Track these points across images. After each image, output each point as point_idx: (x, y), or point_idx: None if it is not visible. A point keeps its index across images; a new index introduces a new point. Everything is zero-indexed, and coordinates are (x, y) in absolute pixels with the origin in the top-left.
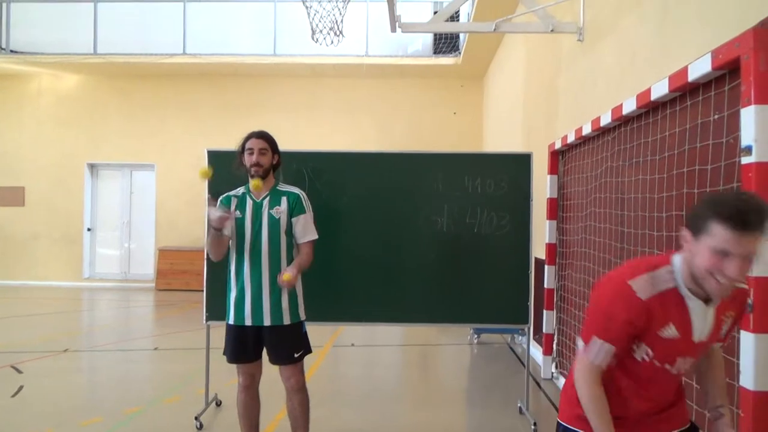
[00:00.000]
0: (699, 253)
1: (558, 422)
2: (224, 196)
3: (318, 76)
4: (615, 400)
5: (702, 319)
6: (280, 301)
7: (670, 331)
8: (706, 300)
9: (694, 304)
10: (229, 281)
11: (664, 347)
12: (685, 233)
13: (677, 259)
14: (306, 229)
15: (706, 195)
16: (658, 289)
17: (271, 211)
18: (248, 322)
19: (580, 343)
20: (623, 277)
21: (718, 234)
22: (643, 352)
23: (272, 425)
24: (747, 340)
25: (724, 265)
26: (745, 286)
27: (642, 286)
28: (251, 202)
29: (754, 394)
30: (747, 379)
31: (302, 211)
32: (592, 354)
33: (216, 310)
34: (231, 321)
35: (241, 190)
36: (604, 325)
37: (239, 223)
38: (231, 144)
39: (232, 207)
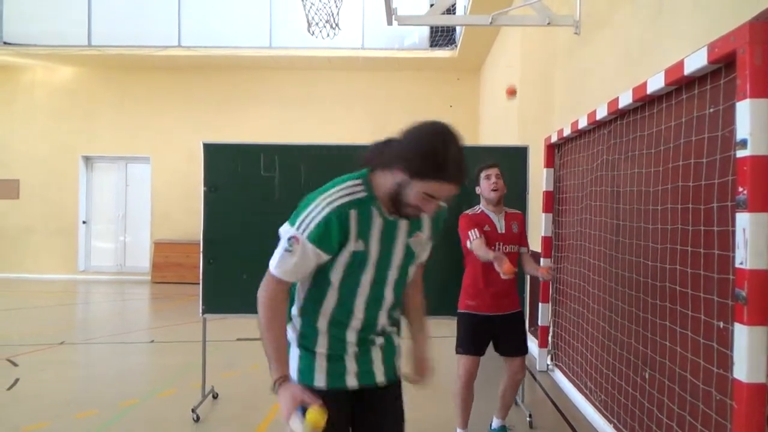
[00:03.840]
0: (483, 188)
1: (457, 312)
2: (340, 204)
3: (314, 69)
4: (476, 282)
5: (498, 222)
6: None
7: (487, 228)
8: (497, 213)
9: (492, 216)
10: (312, 331)
11: (487, 235)
12: (477, 189)
13: (480, 204)
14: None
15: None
16: (474, 211)
17: (409, 239)
18: (352, 383)
19: (468, 243)
20: (462, 213)
21: (482, 175)
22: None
23: (269, 417)
24: (740, 332)
25: (490, 183)
26: (518, 211)
27: (469, 211)
28: (380, 220)
29: (747, 386)
30: (740, 371)
31: (438, 229)
32: (473, 236)
33: (211, 303)
34: (321, 384)
35: (361, 193)
36: (465, 227)
37: (358, 258)
38: (226, 136)
39: (352, 228)
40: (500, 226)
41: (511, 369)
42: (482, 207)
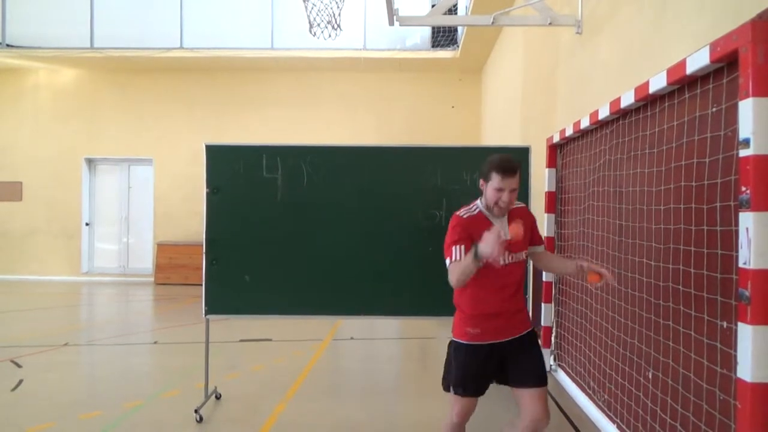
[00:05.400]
0: (487, 192)
1: (451, 340)
2: None
3: (316, 70)
4: (474, 302)
5: (501, 226)
6: None
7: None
8: (500, 216)
9: (494, 220)
10: None
11: None
12: (481, 182)
13: (479, 200)
14: None
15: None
16: (470, 212)
17: None
18: None
19: (447, 261)
20: (454, 213)
21: (495, 179)
22: None
23: (272, 418)
24: (744, 332)
25: (500, 197)
26: (521, 205)
27: (463, 212)
28: None
29: (751, 386)
30: (744, 371)
31: None
32: (455, 255)
33: (214, 304)
34: None
35: None
36: (451, 237)
37: None
38: (228, 138)
39: None
40: (504, 231)
41: (532, 410)
42: (481, 208)
